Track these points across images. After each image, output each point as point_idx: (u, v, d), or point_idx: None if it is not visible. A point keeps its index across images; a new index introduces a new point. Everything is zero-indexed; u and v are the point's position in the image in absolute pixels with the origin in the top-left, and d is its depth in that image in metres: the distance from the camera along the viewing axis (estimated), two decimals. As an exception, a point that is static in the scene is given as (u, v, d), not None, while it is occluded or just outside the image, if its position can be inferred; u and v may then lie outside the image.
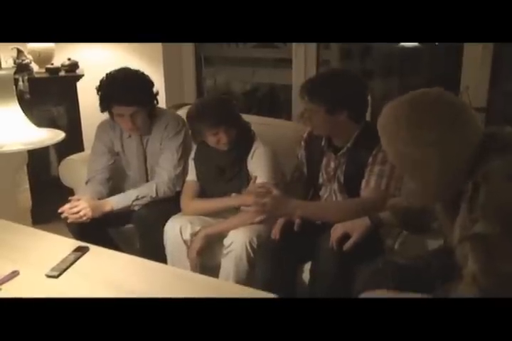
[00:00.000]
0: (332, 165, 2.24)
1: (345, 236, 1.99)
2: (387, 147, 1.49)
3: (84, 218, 2.34)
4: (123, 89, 2.37)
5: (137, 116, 2.43)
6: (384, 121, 1.47)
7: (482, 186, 1.35)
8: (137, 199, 2.46)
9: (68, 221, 2.36)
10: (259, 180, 2.31)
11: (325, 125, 2.16)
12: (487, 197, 1.33)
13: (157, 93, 2.55)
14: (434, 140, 1.38)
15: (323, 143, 2.25)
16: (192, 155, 2.50)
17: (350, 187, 2.19)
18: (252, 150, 2.37)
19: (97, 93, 2.45)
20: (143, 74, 2.49)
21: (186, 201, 2.44)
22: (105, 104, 2.43)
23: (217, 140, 2.31)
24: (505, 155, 1.37)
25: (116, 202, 2.45)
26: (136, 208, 2.46)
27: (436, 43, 3.62)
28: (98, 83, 2.45)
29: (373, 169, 2.11)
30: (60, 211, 2.35)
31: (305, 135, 2.37)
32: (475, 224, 1.35)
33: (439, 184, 1.46)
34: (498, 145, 1.40)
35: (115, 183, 2.62)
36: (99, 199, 2.46)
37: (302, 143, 2.38)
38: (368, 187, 2.12)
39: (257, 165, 2.34)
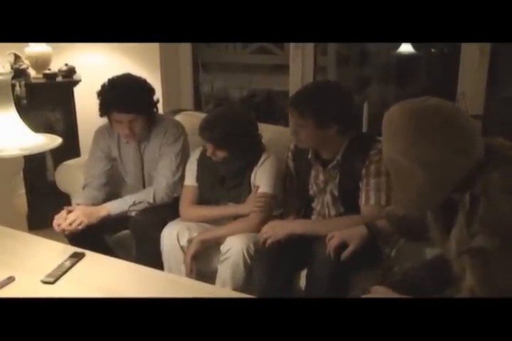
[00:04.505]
0: (321, 177, 2.23)
1: (342, 245, 1.99)
2: (384, 143, 1.45)
3: (80, 227, 2.34)
4: (123, 97, 2.36)
5: (136, 123, 2.42)
6: (388, 120, 1.42)
7: (481, 200, 1.32)
8: (134, 204, 2.45)
9: (65, 233, 2.36)
10: (260, 190, 2.31)
11: (313, 139, 2.14)
12: (486, 211, 1.31)
13: (157, 101, 2.55)
14: (429, 160, 1.35)
15: (309, 155, 2.24)
16: (196, 156, 2.47)
17: (346, 199, 2.19)
18: (261, 161, 2.34)
19: (98, 98, 2.44)
20: (145, 81, 2.49)
21: (185, 207, 2.43)
22: (104, 110, 2.42)
23: (211, 153, 2.31)
24: (503, 167, 1.34)
25: (113, 207, 2.44)
26: (132, 214, 2.45)
27: (433, 49, 3.65)
28: (99, 88, 2.45)
29: (369, 183, 2.10)
30: (54, 225, 2.35)
31: (291, 146, 2.35)
32: (473, 237, 1.33)
33: (423, 195, 1.42)
34: (493, 157, 1.37)
35: (112, 189, 2.61)
36: (94, 205, 2.46)
37: (289, 154, 2.36)
38: (369, 204, 2.10)
39: (262, 175, 2.33)
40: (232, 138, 2.25)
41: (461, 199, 1.39)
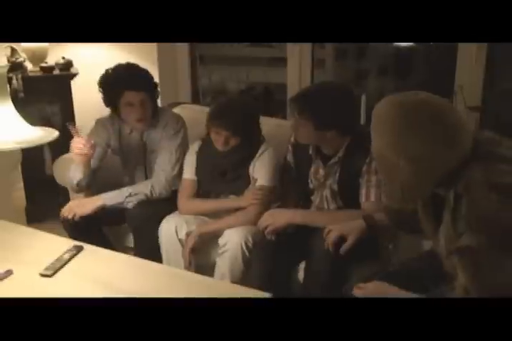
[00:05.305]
0: (321, 172, 2.22)
1: (341, 238, 1.99)
2: (372, 135, 1.45)
3: (75, 218, 2.37)
4: (132, 74, 2.43)
5: (146, 105, 2.45)
6: (377, 113, 1.43)
7: (464, 197, 1.33)
8: (130, 195, 2.44)
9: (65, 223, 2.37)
10: (258, 183, 2.31)
11: (311, 138, 2.14)
12: (470, 209, 1.31)
13: (157, 84, 2.58)
14: (415, 154, 1.35)
15: (310, 150, 2.23)
16: (196, 148, 2.47)
17: (345, 195, 2.19)
18: (259, 153, 2.35)
19: (100, 88, 2.47)
20: (146, 69, 2.55)
21: (183, 200, 2.43)
22: (114, 94, 2.43)
23: (216, 139, 2.31)
24: (486, 163, 1.34)
25: (108, 198, 2.44)
26: (129, 205, 2.44)
27: (431, 42, 3.63)
28: (102, 78, 2.47)
29: (370, 179, 2.09)
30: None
31: (292, 139, 2.33)
32: (460, 236, 1.33)
33: (407, 188, 1.42)
34: (479, 153, 1.36)
35: (107, 180, 2.60)
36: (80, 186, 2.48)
37: (289, 147, 2.36)
38: (369, 200, 2.10)
39: (260, 168, 2.33)
40: (246, 126, 2.27)
41: (447, 196, 1.39)
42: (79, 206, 2.40)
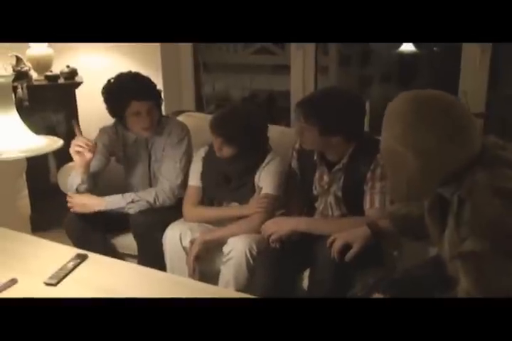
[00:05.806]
0: (326, 179, 2.22)
1: (346, 246, 1.98)
2: (383, 133, 1.46)
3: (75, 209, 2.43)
4: (138, 84, 2.43)
5: (153, 113, 2.46)
6: (390, 109, 1.44)
7: (467, 202, 1.33)
8: (133, 202, 2.44)
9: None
10: (263, 191, 2.31)
11: (316, 143, 2.14)
12: (473, 214, 1.31)
13: (161, 92, 2.59)
14: (424, 147, 1.35)
15: (315, 156, 2.22)
16: (201, 154, 2.47)
17: (349, 202, 2.19)
18: (265, 162, 2.34)
19: (105, 98, 2.47)
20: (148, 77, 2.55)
21: (188, 207, 2.43)
22: (120, 105, 2.42)
23: (218, 149, 2.31)
24: (490, 168, 1.34)
25: (110, 201, 2.45)
26: (130, 211, 2.45)
27: (435, 48, 3.64)
28: (106, 88, 2.47)
29: (375, 186, 2.09)
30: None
31: (297, 145, 2.33)
32: (464, 241, 1.33)
33: (413, 184, 1.43)
34: (484, 157, 1.37)
35: (114, 188, 2.60)
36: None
37: (294, 153, 2.36)
38: (374, 207, 2.10)
39: (266, 176, 2.33)
40: (243, 135, 2.26)
41: (451, 200, 1.39)
42: (81, 205, 2.42)
